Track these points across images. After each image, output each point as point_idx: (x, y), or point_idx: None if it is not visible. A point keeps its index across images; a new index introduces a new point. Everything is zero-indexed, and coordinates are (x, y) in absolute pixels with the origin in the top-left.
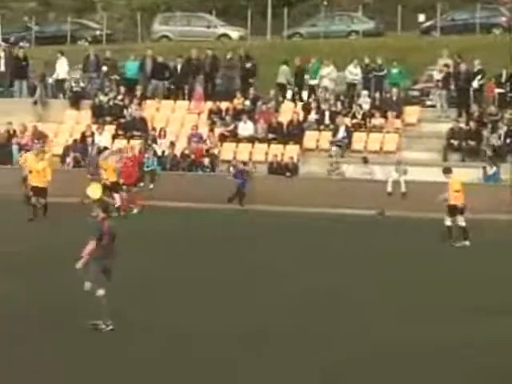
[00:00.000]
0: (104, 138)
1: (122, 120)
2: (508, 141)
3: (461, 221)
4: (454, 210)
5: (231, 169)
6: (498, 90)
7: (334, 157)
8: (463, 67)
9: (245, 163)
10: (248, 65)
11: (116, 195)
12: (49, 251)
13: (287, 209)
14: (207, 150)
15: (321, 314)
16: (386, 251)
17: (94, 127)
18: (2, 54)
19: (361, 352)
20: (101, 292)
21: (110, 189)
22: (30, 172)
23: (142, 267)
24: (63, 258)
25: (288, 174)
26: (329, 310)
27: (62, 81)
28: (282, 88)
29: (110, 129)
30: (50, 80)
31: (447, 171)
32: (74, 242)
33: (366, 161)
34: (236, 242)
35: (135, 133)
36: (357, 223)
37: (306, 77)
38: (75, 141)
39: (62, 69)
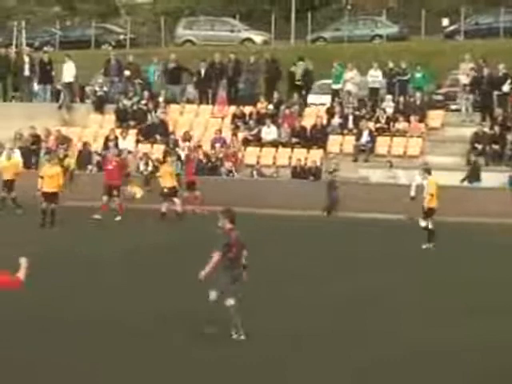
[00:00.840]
0: (128, 142)
1: (144, 125)
2: None
3: (430, 223)
4: (429, 212)
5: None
6: None
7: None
8: (486, 71)
9: (330, 172)
10: (273, 69)
11: (176, 200)
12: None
13: (312, 213)
14: (233, 155)
15: (363, 315)
16: (417, 254)
17: (118, 131)
18: (27, 59)
19: (401, 353)
20: (230, 302)
21: (169, 195)
22: (42, 178)
23: None
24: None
25: (311, 178)
26: (371, 311)
27: (69, 84)
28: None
29: (133, 133)
30: (58, 85)
31: (426, 172)
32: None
33: (391, 165)
34: (269, 246)
35: (157, 137)
36: (385, 227)
37: (329, 81)
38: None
39: (68, 72)
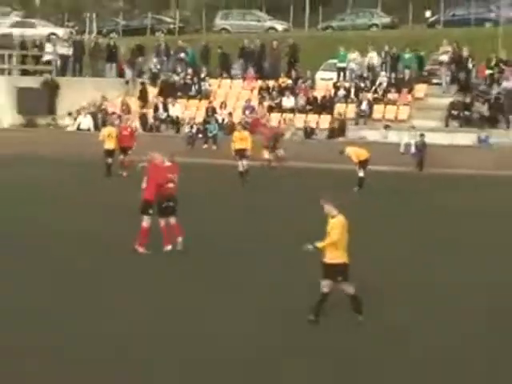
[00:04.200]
0: (176, 109)
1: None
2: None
3: (360, 172)
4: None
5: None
6: (488, 71)
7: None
8: (461, 53)
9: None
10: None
11: (244, 161)
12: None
13: (324, 166)
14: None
15: None
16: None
17: (169, 100)
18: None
19: None
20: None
21: (240, 155)
22: (108, 136)
23: None
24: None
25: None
26: None
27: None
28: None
29: (181, 102)
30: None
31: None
32: None
33: (387, 127)
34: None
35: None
36: (377, 175)
37: (335, 61)
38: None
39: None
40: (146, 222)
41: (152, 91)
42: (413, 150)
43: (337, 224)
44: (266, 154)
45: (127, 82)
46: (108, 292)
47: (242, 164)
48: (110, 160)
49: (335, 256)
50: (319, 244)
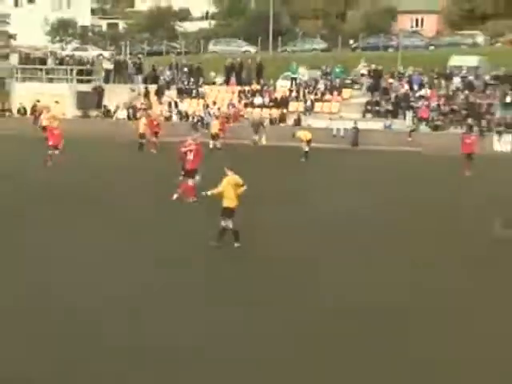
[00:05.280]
0: (184, 104)
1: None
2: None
3: (306, 148)
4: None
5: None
6: (390, 80)
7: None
8: (373, 68)
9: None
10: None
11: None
12: None
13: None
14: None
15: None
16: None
17: (178, 100)
18: (129, 62)
19: None
20: None
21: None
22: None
23: None
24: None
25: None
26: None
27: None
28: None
29: (186, 100)
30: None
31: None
32: None
33: (330, 118)
34: None
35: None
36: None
37: (289, 73)
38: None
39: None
40: (191, 181)
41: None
42: (342, 133)
43: (224, 180)
44: (254, 136)
45: (133, 90)
46: None
47: (214, 143)
48: (143, 140)
49: (226, 202)
50: (209, 192)
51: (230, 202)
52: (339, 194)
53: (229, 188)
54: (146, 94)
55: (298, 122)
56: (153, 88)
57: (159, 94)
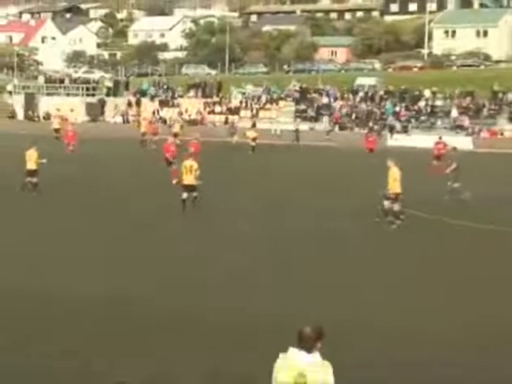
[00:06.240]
0: (163, 112)
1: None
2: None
3: (253, 143)
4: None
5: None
6: (313, 94)
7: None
8: (301, 86)
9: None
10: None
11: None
12: None
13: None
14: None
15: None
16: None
17: (160, 108)
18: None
19: None
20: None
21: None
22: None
23: None
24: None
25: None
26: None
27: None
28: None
29: (165, 109)
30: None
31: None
32: None
33: (270, 122)
34: None
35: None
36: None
37: (241, 89)
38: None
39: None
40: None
41: (145, 103)
42: (278, 132)
43: (182, 164)
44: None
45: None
46: None
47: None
48: (143, 138)
49: (186, 180)
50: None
51: (191, 180)
52: (278, 177)
53: (187, 171)
54: (137, 104)
55: (254, 125)
56: (141, 100)
57: (141, 103)
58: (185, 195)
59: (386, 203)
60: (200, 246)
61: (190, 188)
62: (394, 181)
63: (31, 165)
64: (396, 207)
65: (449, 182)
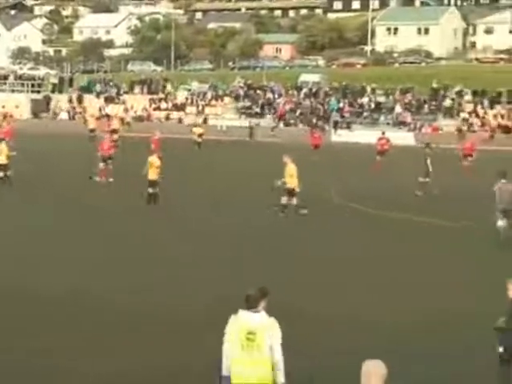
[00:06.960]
0: (109, 108)
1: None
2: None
3: (199, 139)
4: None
5: None
6: (258, 91)
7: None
8: (246, 82)
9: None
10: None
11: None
12: None
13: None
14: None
15: None
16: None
17: (106, 104)
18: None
19: None
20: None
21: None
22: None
23: None
24: None
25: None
26: None
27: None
28: None
29: (111, 105)
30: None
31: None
32: None
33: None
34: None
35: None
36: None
37: (187, 86)
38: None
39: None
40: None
41: (90, 100)
42: (224, 128)
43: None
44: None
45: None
46: None
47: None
48: (92, 134)
49: (150, 176)
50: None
51: (152, 175)
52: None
53: (151, 167)
54: (79, 100)
55: (205, 121)
56: (86, 96)
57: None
58: (150, 190)
59: (284, 199)
60: (146, 244)
61: (153, 183)
62: (291, 177)
63: (2, 159)
64: (294, 201)
65: (420, 177)
